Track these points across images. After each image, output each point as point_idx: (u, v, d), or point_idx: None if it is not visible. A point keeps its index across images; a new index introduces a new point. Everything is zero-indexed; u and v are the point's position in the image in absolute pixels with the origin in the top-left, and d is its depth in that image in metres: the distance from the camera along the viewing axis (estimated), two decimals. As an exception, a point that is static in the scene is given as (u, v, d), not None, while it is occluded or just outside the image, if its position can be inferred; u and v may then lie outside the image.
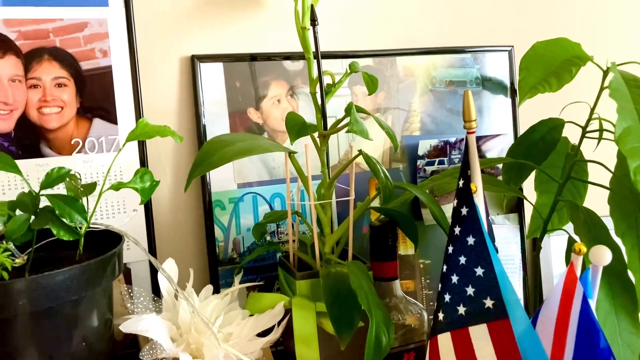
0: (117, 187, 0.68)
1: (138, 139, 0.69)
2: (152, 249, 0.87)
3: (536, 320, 0.62)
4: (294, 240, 0.81)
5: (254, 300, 0.76)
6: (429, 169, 1.02)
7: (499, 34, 1.08)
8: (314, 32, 0.78)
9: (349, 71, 0.80)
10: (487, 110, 1.06)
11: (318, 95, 0.78)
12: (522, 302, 1.08)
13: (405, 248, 1.01)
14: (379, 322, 0.65)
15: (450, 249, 0.66)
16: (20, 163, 0.78)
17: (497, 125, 1.07)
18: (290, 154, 0.74)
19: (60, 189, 0.68)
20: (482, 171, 1.04)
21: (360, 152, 0.74)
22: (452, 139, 1.03)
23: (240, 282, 0.86)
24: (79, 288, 0.60)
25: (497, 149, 1.07)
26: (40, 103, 0.80)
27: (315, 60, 0.78)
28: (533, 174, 0.97)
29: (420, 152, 1.01)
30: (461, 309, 0.64)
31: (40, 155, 0.81)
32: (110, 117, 0.84)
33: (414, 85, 1.01)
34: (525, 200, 1.07)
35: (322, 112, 0.79)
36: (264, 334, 0.73)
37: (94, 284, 0.62)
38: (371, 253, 0.83)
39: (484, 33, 1.07)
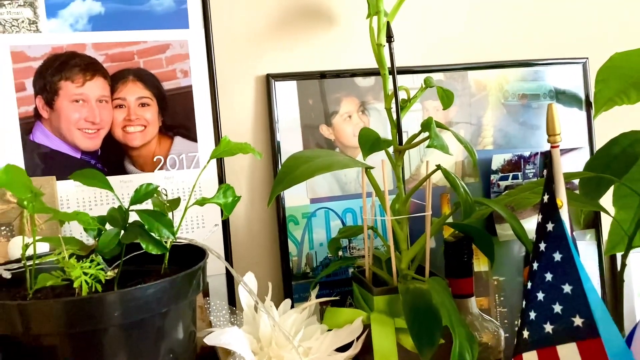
0: (201, 202, 0.70)
1: (221, 155, 0.71)
2: (229, 263, 0.88)
3: (631, 340, 0.60)
4: (360, 257, 0.81)
5: (332, 314, 0.76)
6: (503, 183, 1.00)
7: (573, 46, 1.06)
8: (390, 49, 0.79)
9: (424, 86, 0.80)
10: (564, 123, 1.04)
11: (393, 110, 0.79)
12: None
13: (478, 264, 1.00)
14: (462, 339, 0.64)
15: (536, 265, 0.64)
16: (106, 180, 0.82)
17: (572, 139, 1.05)
18: (367, 169, 0.74)
19: (147, 204, 0.71)
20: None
21: (439, 167, 0.73)
22: (527, 154, 1.01)
23: (315, 297, 0.87)
24: (168, 301, 0.62)
25: (572, 163, 1.04)
26: (124, 122, 0.84)
27: (390, 76, 0.79)
28: (610, 189, 0.94)
29: (494, 167, 1.00)
30: (548, 327, 0.62)
31: (124, 172, 0.84)
32: (190, 135, 0.87)
33: (485, 99, 1.00)
34: (601, 216, 1.04)
35: (397, 127, 0.79)
36: (342, 349, 0.73)
37: (181, 297, 0.64)
38: (446, 269, 0.82)
39: (557, 45, 1.06)
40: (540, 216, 0.65)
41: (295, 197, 0.91)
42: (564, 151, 1.04)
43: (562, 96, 1.04)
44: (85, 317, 0.57)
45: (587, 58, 1.05)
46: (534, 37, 1.05)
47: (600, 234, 1.05)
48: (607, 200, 0.96)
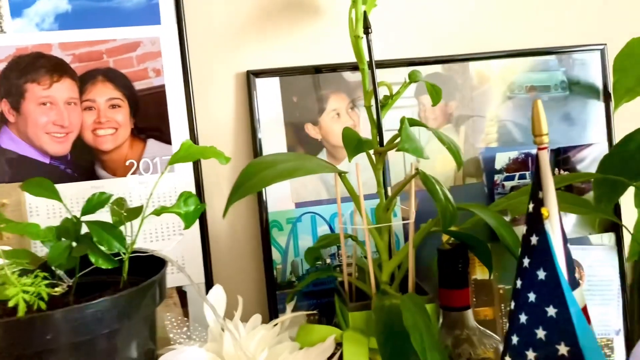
0: (159, 212, 0.65)
1: (181, 161, 0.66)
2: (208, 272, 0.84)
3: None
4: (349, 266, 0.75)
5: (305, 332, 0.70)
6: (509, 184, 0.92)
7: (589, 31, 0.96)
8: (368, 41, 0.72)
9: (408, 81, 0.73)
10: (577, 117, 0.95)
11: (373, 108, 0.72)
12: (622, 333, 0.95)
13: (483, 272, 0.92)
14: (434, 367, 0.57)
15: (519, 283, 0.57)
16: (76, 186, 0.79)
17: (590, 134, 0.95)
18: (341, 174, 0.68)
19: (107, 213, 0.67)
20: (571, 188, 0.93)
21: (417, 170, 0.67)
22: (534, 151, 0.92)
23: (296, 309, 0.81)
24: (111, 320, 0.57)
25: (590, 160, 0.95)
26: (94, 125, 0.80)
27: (369, 71, 0.72)
28: (630, 189, 0.85)
29: (498, 166, 0.91)
30: (530, 355, 0.55)
31: (95, 177, 0.81)
32: (164, 137, 0.82)
33: (489, 93, 0.92)
34: (622, 218, 0.95)
35: (377, 126, 0.72)
36: (314, 369, 0.67)
37: (130, 315, 0.60)
38: (440, 280, 0.75)
39: (570, 31, 0.96)
40: (525, 227, 0.58)
41: (279, 201, 0.86)
42: (581, 147, 0.95)
43: (577, 87, 0.95)
44: (13, 341, 0.53)
45: (606, 44, 0.95)
46: (544, 22, 0.95)
47: (622, 238, 0.96)
48: (630, 199, 0.87)
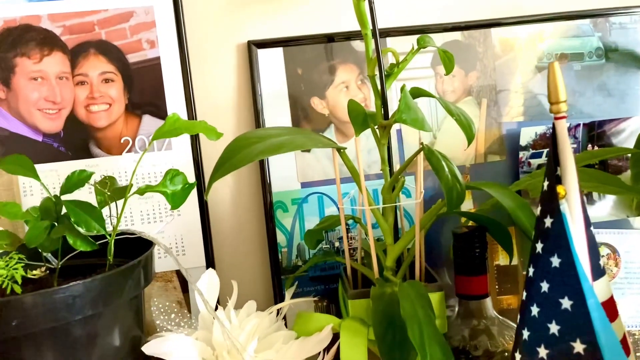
0: (142, 191, 0.61)
1: (166, 136, 0.61)
2: (209, 256, 0.80)
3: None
4: (355, 250, 0.69)
5: (303, 320, 0.65)
6: (535, 162, 0.84)
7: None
8: (370, 3, 0.65)
9: (416, 47, 0.66)
10: (614, 88, 0.86)
11: (377, 78, 0.66)
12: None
13: (506, 257, 0.85)
14: (433, 362, 0.51)
15: (531, 271, 0.50)
16: (70, 164, 0.76)
17: (628, 106, 0.86)
18: (340, 150, 0.62)
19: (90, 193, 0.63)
20: (606, 166, 0.85)
21: (422, 144, 0.60)
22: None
23: (302, 294, 0.76)
24: (83, 306, 0.53)
25: (627, 134, 0.86)
26: (87, 100, 0.76)
27: (373, 38, 0.66)
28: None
29: (523, 142, 0.84)
30: (542, 352, 0.48)
31: (90, 155, 0.77)
32: (160, 112, 0.78)
33: (514, 62, 0.84)
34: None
35: (382, 98, 0.66)
36: (311, 360, 0.62)
37: (109, 300, 0.56)
38: (455, 266, 0.69)
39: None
40: (539, 208, 0.51)
41: (284, 181, 0.81)
42: (619, 120, 0.86)
43: (614, 54, 0.85)
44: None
45: (647, 6, 0.85)
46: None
47: (664, 221, 0.87)
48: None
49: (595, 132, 0.85)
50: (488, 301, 0.70)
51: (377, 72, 0.66)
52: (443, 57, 0.68)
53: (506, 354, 0.68)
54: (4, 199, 0.75)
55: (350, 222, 0.77)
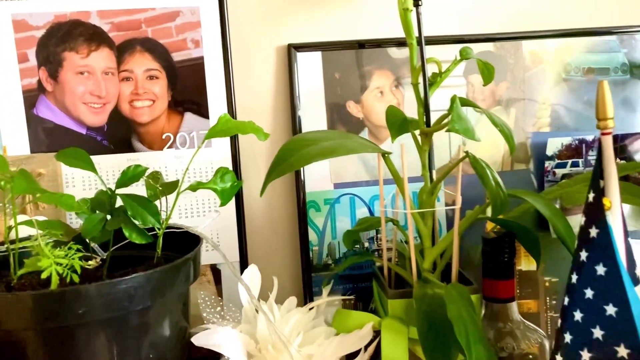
0: (195, 187, 0.63)
1: (218, 136, 0.63)
2: (243, 251, 0.82)
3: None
4: (389, 251, 0.71)
5: (342, 317, 0.68)
6: (560, 172, 0.87)
7: (655, 10, 0.90)
8: (417, 14, 0.68)
9: (458, 58, 0.68)
10: (637, 102, 0.89)
11: (421, 86, 0.68)
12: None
13: (528, 263, 0.88)
14: (479, 360, 0.54)
15: (574, 277, 0.53)
16: (112, 158, 0.77)
17: (652, 123, 0.89)
18: (384, 155, 0.65)
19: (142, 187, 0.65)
20: (627, 178, 0.88)
21: (467, 153, 0.63)
22: (590, 137, 0.87)
23: (331, 292, 0.79)
24: (143, 297, 0.55)
25: (649, 149, 0.89)
26: (132, 96, 0.78)
27: (418, 47, 0.68)
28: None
29: (549, 152, 0.86)
30: (585, 355, 0.51)
31: (132, 150, 0.79)
32: (202, 110, 0.80)
33: (542, 74, 0.87)
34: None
35: (424, 105, 0.68)
36: (349, 356, 0.64)
37: (163, 292, 0.58)
38: (483, 270, 0.71)
39: (634, 9, 0.90)
40: (583, 218, 0.53)
41: (317, 181, 0.83)
42: (638, 135, 0.89)
43: (639, 71, 0.89)
44: (45, 314, 0.52)
45: (674, 25, 0.89)
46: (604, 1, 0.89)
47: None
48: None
49: (617, 145, 0.88)
50: (514, 305, 0.72)
51: (420, 80, 0.68)
52: (482, 69, 0.70)
53: (530, 356, 0.71)
54: (49, 189, 0.76)
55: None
